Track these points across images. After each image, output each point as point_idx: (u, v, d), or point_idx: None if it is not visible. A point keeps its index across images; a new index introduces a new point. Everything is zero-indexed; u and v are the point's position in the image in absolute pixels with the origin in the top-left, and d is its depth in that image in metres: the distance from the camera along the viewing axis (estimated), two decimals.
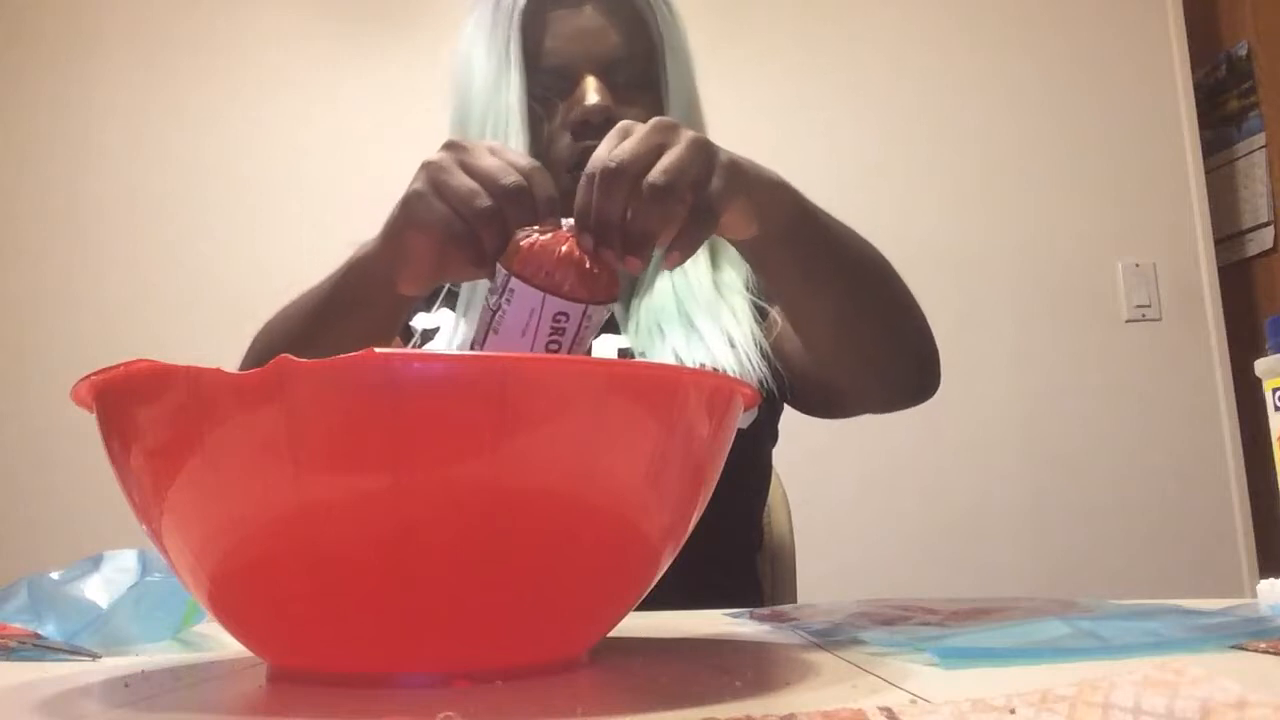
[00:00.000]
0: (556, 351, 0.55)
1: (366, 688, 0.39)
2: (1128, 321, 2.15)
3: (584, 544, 0.40)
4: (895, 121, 2.21)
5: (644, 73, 0.90)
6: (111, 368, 0.39)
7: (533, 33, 0.89)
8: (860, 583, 1.84)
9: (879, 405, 0.90)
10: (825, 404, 0.96)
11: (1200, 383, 2.13)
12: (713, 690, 0.38)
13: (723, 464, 0.47)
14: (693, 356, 0.87)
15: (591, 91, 0.86)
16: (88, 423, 0.43)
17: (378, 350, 0.36)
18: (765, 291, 0.96)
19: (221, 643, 0.61)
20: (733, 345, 0.90)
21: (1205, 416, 2.11)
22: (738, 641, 0.56)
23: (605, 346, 0.91)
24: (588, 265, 0.54)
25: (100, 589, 0.60)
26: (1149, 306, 2.16)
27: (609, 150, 0.56)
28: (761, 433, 0.98)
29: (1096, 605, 0.60)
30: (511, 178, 0.56)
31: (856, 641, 0.50)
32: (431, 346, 0.92)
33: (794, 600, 1.10)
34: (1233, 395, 2.11)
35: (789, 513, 1.15)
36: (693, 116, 0.94)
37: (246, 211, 2.18)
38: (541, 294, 0.53)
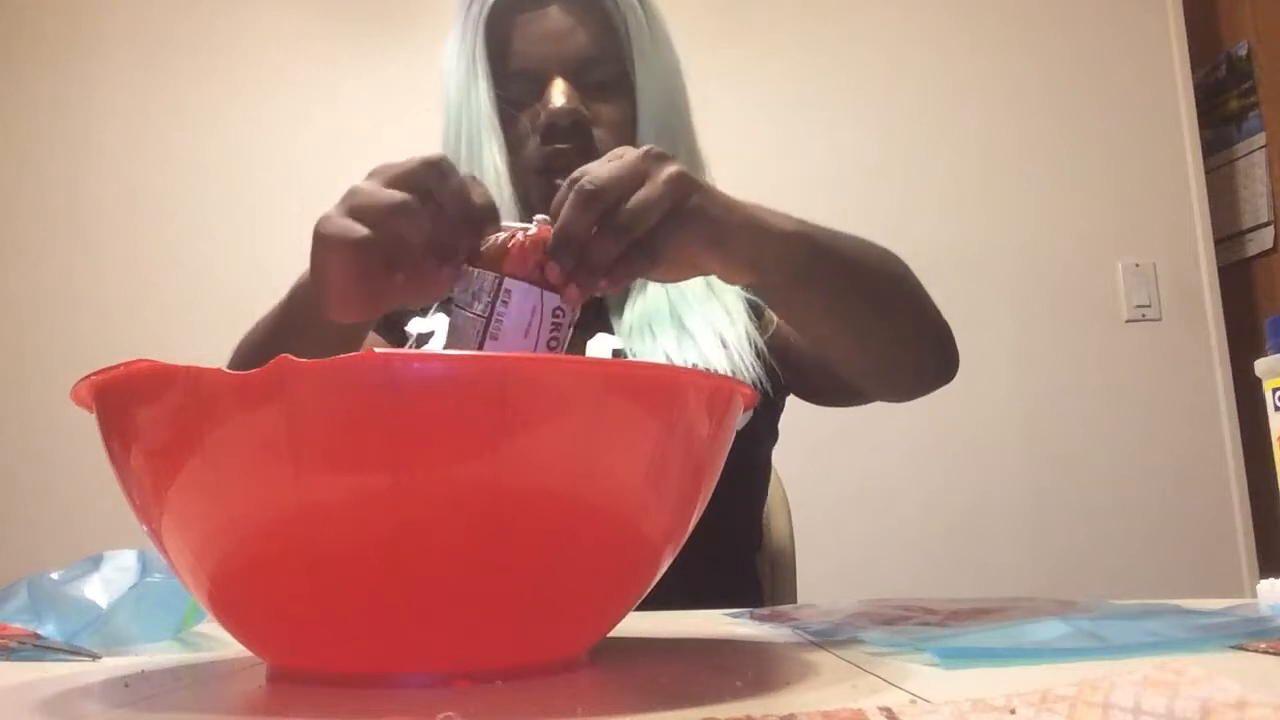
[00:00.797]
0: (555, 349, 0.55)
1: (366, 688, 0.39)
2: (1128, 321, 2.15)
3: (584, 544, 0.40)
4: (895, 121, 2.21)
5: (615, 72, 0.90)
6: (111, 368, 0.39)
7: (501, 37, 0.89)
8: (860, 583, 1.84)
9: (902, 397, 0.90)
10: (841, 396, 0.96)
11: (1200, 383, 2.13)
12: (713, 690, 0.38)
13: (723, 464, 0.47)
14: (684, 357, 0.87)
15: (558, 94, 0.86)
16: (88, 423, 0.43)
17: (377, 350, 0.36)
18: (779, 347, 0.95)
19: (221, 643, 0.61)
20: (725, 345, 0.90)
21: (1205, 416, 2.11)
22: (738, 641, 0.56)
23: (601, 347, 0.91)
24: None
25: (100, 589, 0.60)
26: (1149, 306, 2.16)
27: (597, 168, 0.56)
28: (760, 432, 0.98)
29: (1096, 605, 0.60)
30: (429, 172, 0.54)
31: (856, 641, 0.50)
32: (428, 350, 0.92)
33: (794, 600, 1.10)
34: (1233, 395, 2.11)
35: (789, 513, 1.15)
36: (672, 116, 0.93)
37: (246, 211, 2.18)
38: (539, 290, 0.53)
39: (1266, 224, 2.22)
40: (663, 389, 0.41)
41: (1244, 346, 2.10)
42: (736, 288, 0.95)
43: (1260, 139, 2.24)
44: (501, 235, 0.55)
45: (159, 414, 0.39)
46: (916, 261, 0.81)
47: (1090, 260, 2.17)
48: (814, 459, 1.83)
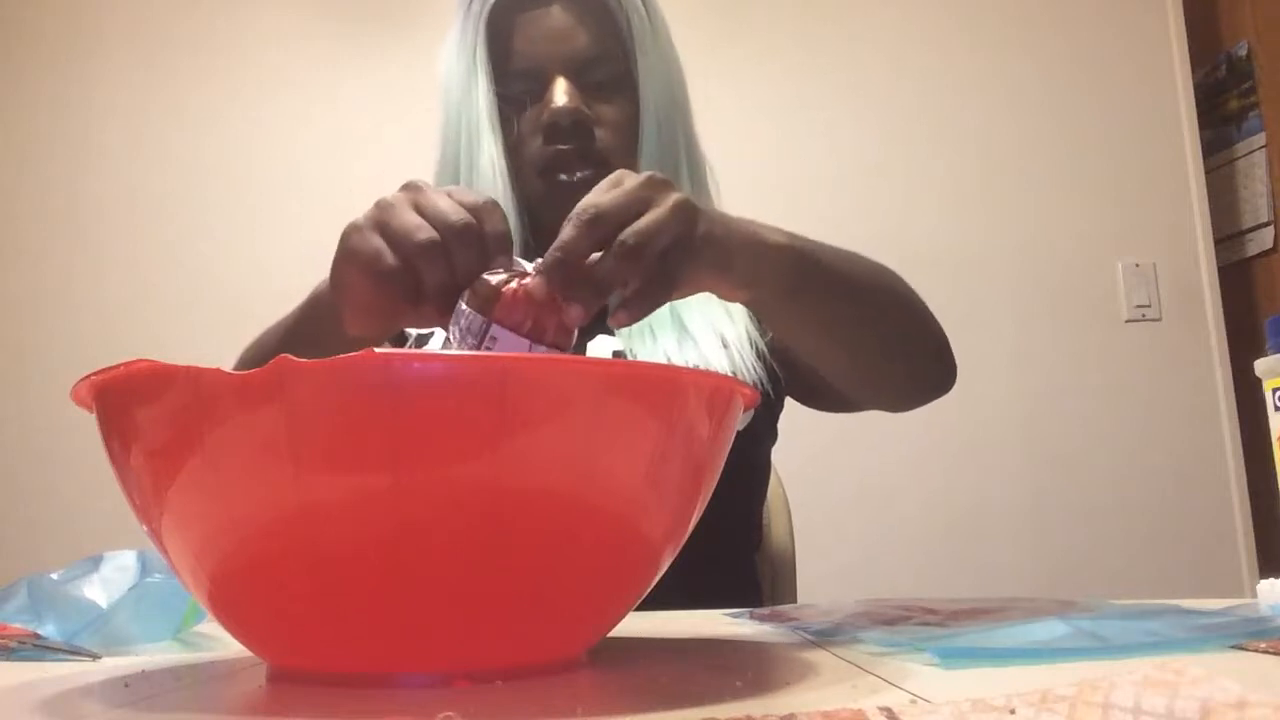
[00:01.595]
0: None
1: (366, 688, 0.39)
2: (1128, 321, 2.15)
3: (584, 544, 0.40)
4: (895, 121, 2.21)
5: (617, 71, 0.90)
6: (111, 368, 0.39)
7: (502, 36, 0.89)
8: (860, 583, 1.84)
9: (898, 408, 0.90)
10: (837, 403, 0.96)
11: (1200, 383, 2.13)
12: (713, 690, 0.38)
13: (723, 464, 0.47)
14: (684, 357, 0.87)
15: (560, 93, 0.86)
16: (88, 423, 0.43)
17: (377, 350, 0.36)
18: (779, 349, 0.95)
19: (221, 643, 0.61)
20: (725, 345, 0.90)
21: (1205, 416, 2.11)
22: (738, 641, 0.56)
23: (601, 347, 0.91)
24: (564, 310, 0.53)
25: (100, 589, 0.60)
26: (1149, 306, 2.16)
27: (596, 197, 0.54)
28: (760, 432, 0.98)
29: (1096, 605, 0.60)
30: (459, 215, 0.53)
31: (856, 641, 0.50)
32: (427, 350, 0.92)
33: (794, 600, 1.10)
34: (1233, 395, 2.11)
35: (789, 513, 1.15)
36: (673, 115, 0.93)
37: (246, 211, 2.18)
38: (527, 343, 0.51)
39: (1266, 224, 2.22)
40: (663, 389, 0.41)
41: (1244, 346, 2.10)
42: None
43: (1260, 139, 2.24)
44: (497, 277, 0.52)
45: (159, 414, 0.39)
46: (917, 261, 0.82)
47: (1090, 260, 2.17)
48: (814, 459, 1.83)
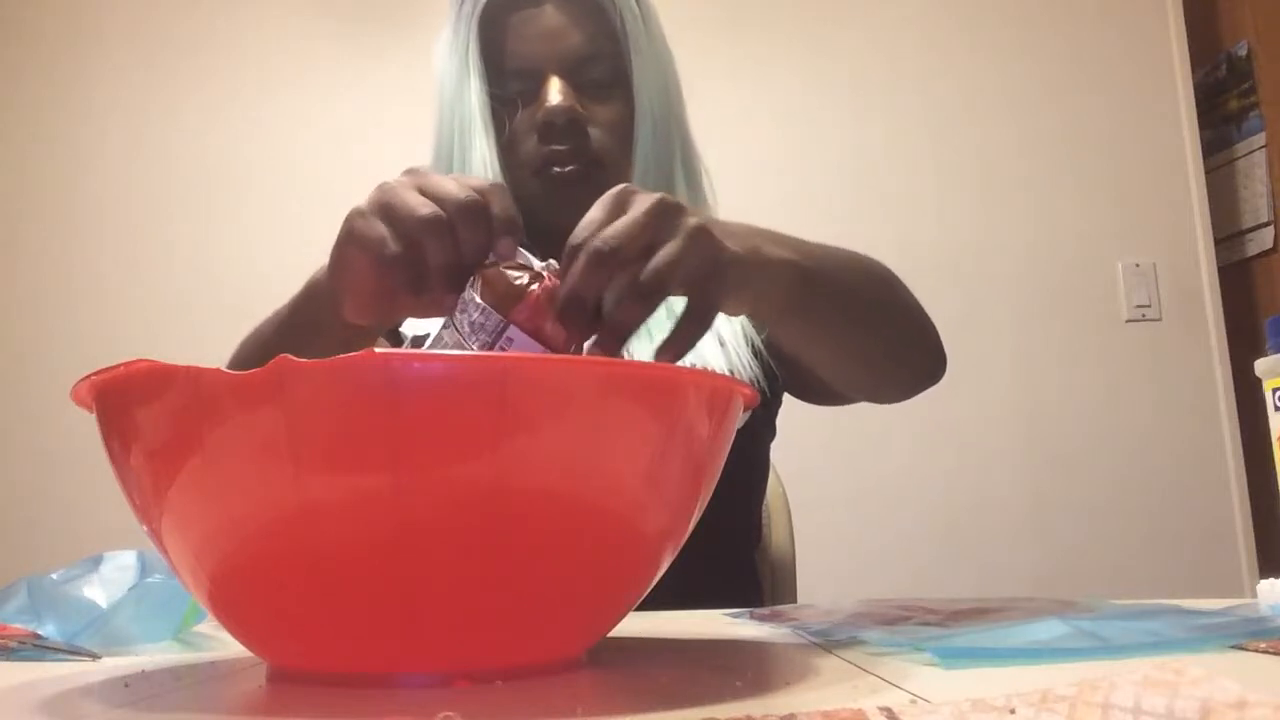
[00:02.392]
0: None
1: (366, 688, 0.39)
2: (1128, 321, 2.15)
3: (584, 544, 0.40)
4: (896, 121, 2.21)
5: (611, 70, 0.89)
6: (111, 368, 0.39)
7: (496, 35, 0.89)
8: (860, 583, 1.85)
9: (891, 400, 0.90)
10: (832, 398, 0.96)
11: (1200, 383, 2.13)
12: (713, 690, 0.38)
13: (723, 464, 0.47)
14: None
15: (554, 92, 0.86)
16: (88, 423, 0.43)
17: (377, 350, 0.36)
18: (774, 345, 0.94)
19: (222, 643, 0.61)
20: (722, 344, 0.90)
21: (1205, 416, 2.11)
22: (738, 641, 0.56)
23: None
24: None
25: (100, 589, 0.60)
26: (1149, 306, 2.16)
27: (600, 223, 0.51)
28: (759, 428, 0.98)
29: (1096, 605, 0.60)
30: (466, 192, 0.51)
31: (856, 641, 0.50)
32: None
33: (794, 600, 1.10)
34: (1233, 395, 2.11)
35: (789, 513, 1.15)
36: (669, 114, 0.93)
37: (246, 211, 2.18)
38: (542, 349, 0.49)
39: (1266, 224, 2.22)
40: (663, 389, 0.41)
41: (1244, 346, 2.10)
42: None
43: (1260, 139, 2.24)
44: (517, 276, 0.50)
45: (159, 414, 0.39)
46: (917, 261, 0.82)
47: (1090, 260, 2.17)
48: (814, 459, 1.83)
